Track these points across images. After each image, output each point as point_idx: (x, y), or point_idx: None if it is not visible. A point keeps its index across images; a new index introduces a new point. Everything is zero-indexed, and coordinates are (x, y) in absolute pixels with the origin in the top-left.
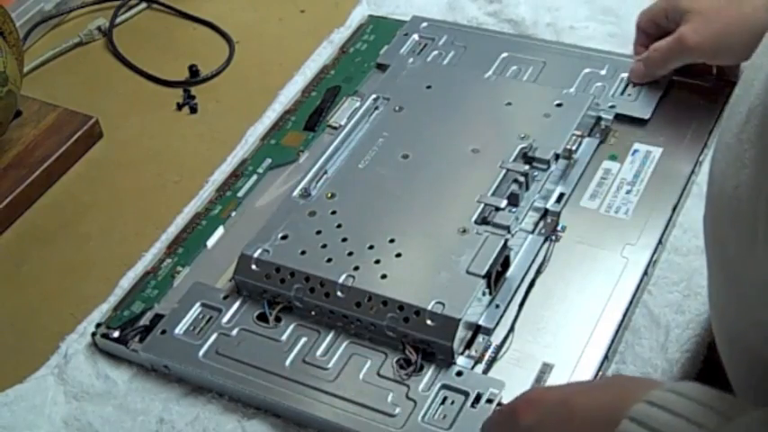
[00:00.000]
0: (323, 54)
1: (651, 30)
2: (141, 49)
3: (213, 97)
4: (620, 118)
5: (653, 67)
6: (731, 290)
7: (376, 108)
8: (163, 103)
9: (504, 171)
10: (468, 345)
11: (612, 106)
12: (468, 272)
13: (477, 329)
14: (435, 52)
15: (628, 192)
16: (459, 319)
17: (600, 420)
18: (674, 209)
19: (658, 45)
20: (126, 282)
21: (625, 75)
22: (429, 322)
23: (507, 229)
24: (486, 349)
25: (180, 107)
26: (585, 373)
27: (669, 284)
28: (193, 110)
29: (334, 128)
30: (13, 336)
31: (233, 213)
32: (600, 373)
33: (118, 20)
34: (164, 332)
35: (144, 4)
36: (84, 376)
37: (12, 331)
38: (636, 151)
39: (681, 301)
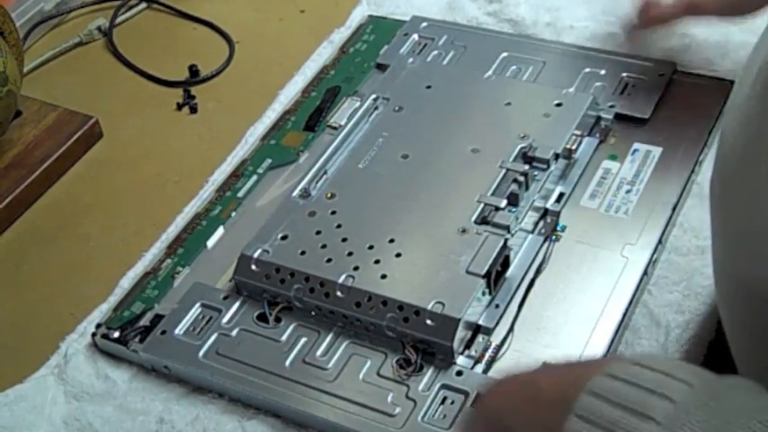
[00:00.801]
0: (323, 54)
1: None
2: (141, 49)
3: (213, 97)
4: (619, 117)
5: (660, 14)
6: (734, 248)
7: (376, 108)
8: (163, 103)
9: (503, 171)
10: (468, 344)
11: (612, 106)
12: (467, 272)
13: (476, 329)
14: (435, 52)
15: (628, 191)
16: (459, 319)
17: (562, 395)
18: (673, 208)
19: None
20: (126, 282)
21: (625, 74)
22: (429, 322)
23: (507, 228)
24: (485, 349)
25: (180, 107)
26: None
27: (669, 284)
28: (193, 110)
29: (334, 128)
30: (13, 336)
31: (233, 213)
32: None
33: (118, 20)
34: (164, 332)
35: (144, 4)
36: (84, 376)
37: (12, 331)
38: (636, 151)
39: (681, 300)
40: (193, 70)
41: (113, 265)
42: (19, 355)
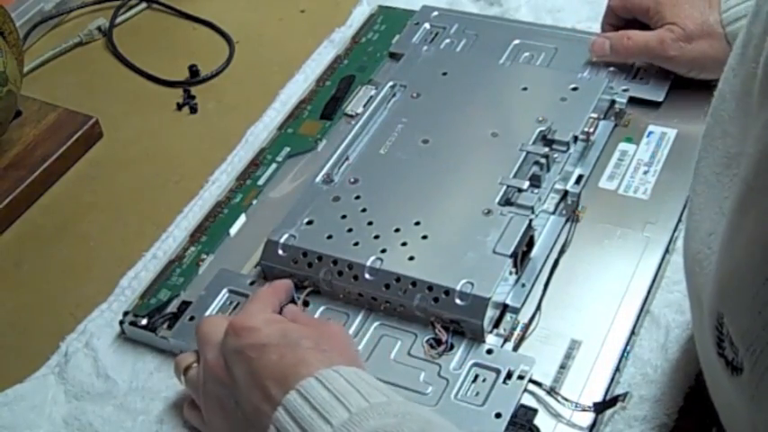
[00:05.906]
0: (323, 54)
1: (624, 14)
2: (141, 49)
3: (213, 97)
4: (633, 101)
5: (619, 53)
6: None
7: (393, 95)
8: (163, 103)
9: (524, 153)
10: (497, 323)
11: (626, 90)
12: (494, 252)
13: (504, 308)
14: (447, 40)
15: (645, 172)
16: (489, 298)
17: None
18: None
19: (635, 37)
20: (126, 281)
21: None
22: (458, 302)
23: (531, 209)
24: (514, 327)
25: (180, 107)
26: (613, 348)
27: (669, 284)
28: (193, 110)
29: (351, 116)
30: (13, 336)
31: (254, 201)
32: (628, 348)
33: (118, 20)
34: (192, 319)
35: (144, 4)
36: (85, 376)
37: (12, 331)
38: (651, 133)
39: (681, 300)
40: (193, 70)
41: (113, 264)
42: (19, 355)
